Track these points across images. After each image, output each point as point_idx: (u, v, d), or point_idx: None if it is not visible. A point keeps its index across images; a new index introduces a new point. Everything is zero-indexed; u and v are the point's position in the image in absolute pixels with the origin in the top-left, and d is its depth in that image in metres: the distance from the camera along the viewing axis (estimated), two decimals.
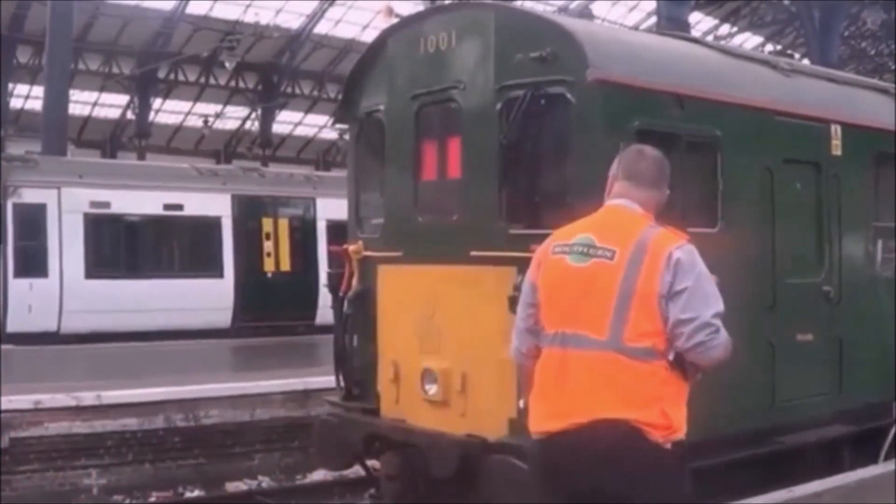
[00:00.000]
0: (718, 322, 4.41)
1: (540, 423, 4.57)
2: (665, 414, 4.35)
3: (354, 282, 9.40)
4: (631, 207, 4.71)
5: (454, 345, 8.32)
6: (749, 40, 50.49)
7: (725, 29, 51.63)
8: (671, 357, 4.42)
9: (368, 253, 9.31)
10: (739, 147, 8.42)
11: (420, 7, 30.08)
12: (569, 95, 7.72)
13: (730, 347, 4.46)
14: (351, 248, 9.42)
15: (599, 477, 4.36)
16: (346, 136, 38.94)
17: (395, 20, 9.67)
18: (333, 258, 10.31)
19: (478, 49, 8.38)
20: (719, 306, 4.45)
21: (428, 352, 8.52)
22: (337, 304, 9.56)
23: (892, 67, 49.79)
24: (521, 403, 5.18)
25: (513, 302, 7.64)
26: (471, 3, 8.85)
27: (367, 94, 9.61)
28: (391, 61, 9.28)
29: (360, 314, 9.29)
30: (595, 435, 4.34)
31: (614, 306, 4.41)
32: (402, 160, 9.03)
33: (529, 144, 8.17)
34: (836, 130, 9.44)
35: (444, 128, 8.80)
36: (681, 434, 4.43)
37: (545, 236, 7.50)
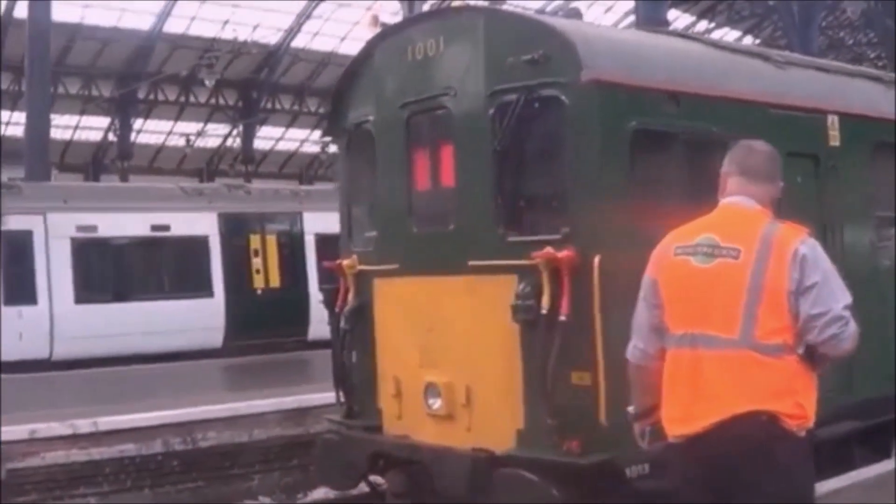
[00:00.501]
0: (848, 314, 4.47)
1: (677, 427, 4.61)
2: (799, 404, 4.45)
3: (350, 297, 9.23)
4: (748, 204, 4.75)
5: (457, 357, 8.16)
6: (727, 35, 50.50)
7: (703, 25, 51.68)
8: (801, 350, 4.47)
9: (363, 267, 9.14)
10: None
11: (399, 17, 30.00)
12: (563, 97, 7.58)
13: (857, 337, 4.50)
14: (345, 262, 9.26)
15: (741, 470, 4.42)
16: (329, 150, 38.53)
17: (380, 29, 9.47)
18: (325, 273, 10.14)
19: (467, 54, 8.23)
20: (847, 298, 4.51)
21: (429, 365, 8.36)
22: (333, 320, 9.40)
23: (871, 56, 49.89)
24: (631, 409, 5.04)
25: (516, 311, 7.52)
26: (459, 8, 8.73)
27: (355, 106, 9.45)
28: (378, 71, 9.12)
29: (357, 330, 9.12)
30: (734, 430, 4.39)
31: (743, 305, 4.44)
32: (394, 171, 8.87)
33: (524, 149, 8.01)
34: (833, 121, 9.31)
35: (436, 136, 8.64)
36: (811, 422, 4.50)
37: (544, 243, 7.48)
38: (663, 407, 4.71)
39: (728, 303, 4.48)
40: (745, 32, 52.68)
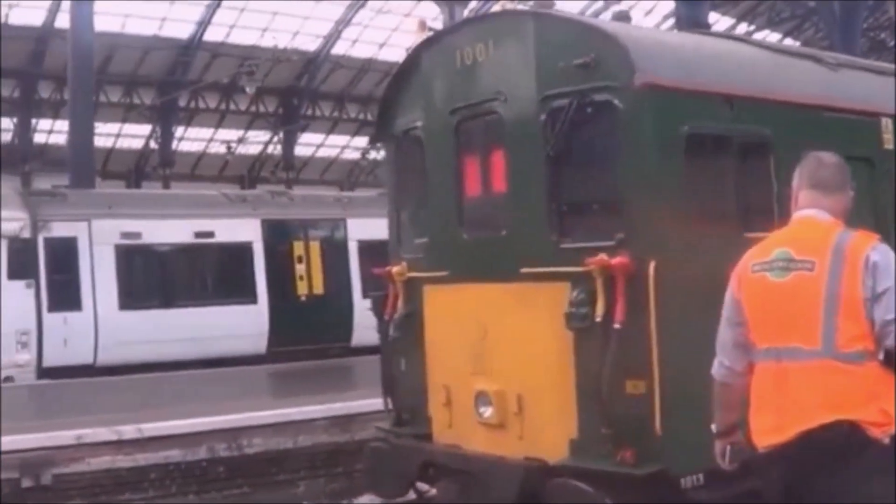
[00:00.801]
0: None
1: (765, 438, 4.66)
2: (883, 411, 4.47)
3: (399, 304, 9.19)
4: (821, 217, 4.84)
5: (508, 365, 8.07)
6: (768, 37, 50.08)
7: (743, 27, 51.30)
8: (881, 356, 4.50)
9: (413, 274, 9.09)
10: (791, 146, 8.12)
11: (439, 23, 29.97)
12: (616, 102, 7.48)
13: None
14: (394, 269, 9.21)
15: (825, 479, 4.46)
16: (369, 156, 38.58)
17: (428, 34, 9.41)
18: (369, 279, 10.11)
19: (517, 59, 8.15)
20: None
21: (480, 373, 8.28)
22: (383, 327, 9.36)
23: None
24: (713, 428, 5.11)
25: (569, 318, 7.43)
26: (507, 12, 8.66)
27: (403, 112, 9.42)
28: (426, 77, 9.08)
29: (407, 337, 9.07)
30: (819, 439, 4.45)
31: (822, 315, 4.52)
32: (445, 177, 8.81)
33: (577, 155, 7.90)
34: (887, 124, 9.15)
35: (487, 141, 8.56)
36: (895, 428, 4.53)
37: (598, 249, 7.39)
38: (752, 419, 4.75)
39: (807, 315, 4.54)
40: (786, 34, 52.21)
